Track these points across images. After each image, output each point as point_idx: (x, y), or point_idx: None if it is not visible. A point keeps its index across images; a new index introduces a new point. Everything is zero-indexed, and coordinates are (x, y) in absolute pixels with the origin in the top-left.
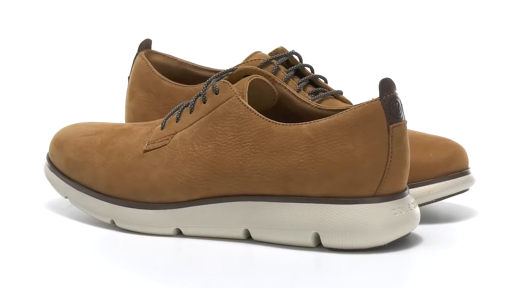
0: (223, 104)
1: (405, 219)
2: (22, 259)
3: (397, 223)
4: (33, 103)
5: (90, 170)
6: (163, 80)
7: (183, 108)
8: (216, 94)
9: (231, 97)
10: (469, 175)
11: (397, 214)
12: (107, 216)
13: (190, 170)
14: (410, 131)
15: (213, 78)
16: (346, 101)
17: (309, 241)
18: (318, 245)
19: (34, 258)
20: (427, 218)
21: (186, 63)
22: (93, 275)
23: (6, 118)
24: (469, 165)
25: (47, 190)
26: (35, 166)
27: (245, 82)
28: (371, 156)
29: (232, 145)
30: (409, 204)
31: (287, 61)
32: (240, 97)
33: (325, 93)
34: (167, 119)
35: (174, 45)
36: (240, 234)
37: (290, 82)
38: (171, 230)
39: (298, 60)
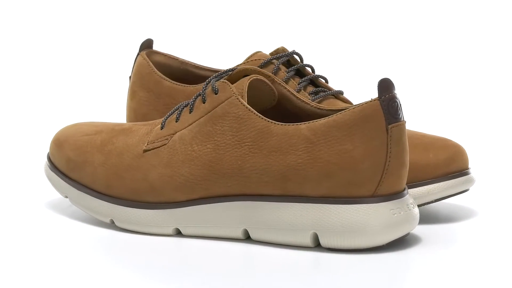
0: (222, 104)
1: (404, 219)
2: (22, 258)
3: (396, 223)
4: (35, 102)
5: (89, 170)
6: (164, 80)
7: (183, 108)
8: (216, 94)
9: (230, 97)
10: (469, 175)
11: (395, 214)
12: (107, 216)
13: (189, 170)
14: (410, 131)
15: (212, 78)
16: (346, 101)
17: (308, 241)
18: (317, 245)
19: (34, 257)
20: (427, 219)
21: (188, 63)
22: (92, 275)
23: (8, 118)
24: (469, 166)
25: (47, 190)
26: (36, 166)
27: (245, 82)
28: (369, 156)
29: (231, 145)
30: (408, 205)
31: (288, 61)
32: (239, 97)
33: (326, 93)
34: (166, 119)
35: (175, 45)
36: (239, 234)
37: (290, 82)
38: (170, 230)
39: (299, 60)
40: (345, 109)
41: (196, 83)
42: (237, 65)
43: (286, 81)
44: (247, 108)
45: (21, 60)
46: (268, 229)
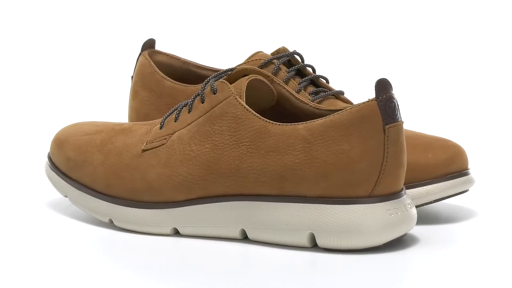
0: (221, 104)
1: (401, 219)
2: (22, 257)
3: (393, 223)
4: (37, 102)
5: (89, 169)
6: (165, 79)
7: (182, 108)
8: (214, 94)
9: (228, 97)
10: (469, 176)
11: (392, 215)
12: (106, 215)
13: (187, 169)
14: (409, 131)
15: (211, 78)
16: (347, 101)
17: (305, 241)
18: (314, 246)
19: (34, 256)
20: (427, 219)
21: (190, 63)
22: (90, 274)
23: (10, 118)
24: (469, 166)
25: (48, 189)
26: (37, 165)
27: (243, 82)
28: (366, 156)
29: (229, 145)
30: (405, 205)
31: (288, 61)
32: (237, 97)
33: (326, 93)
34: (166, 119)
35: (177, 45)
36: (236, 234)
37: (291, 82)
38: (168, 230)
39: (300, 60)
40: (343, 109)
41: (198, 83)
42: (238, 65)
43: (287, 81)
44: (245, 108)
45: (23, 60)
46: (265, 229)
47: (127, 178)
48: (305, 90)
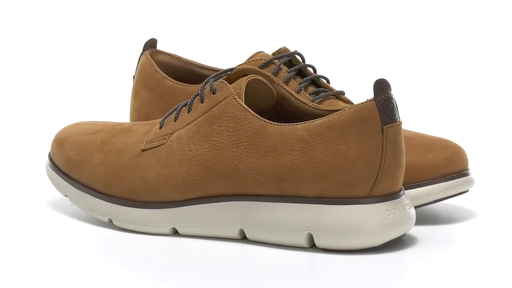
0: (220, 104)
1: (400, 220)
2: (22, 257)
3: (391, 224)
4: (39, 102)
5: (89, 169)
6: (166, 79)
7: (182, 108)
8: (213, 93)
9: (227, 97)
10: (469, 176)
11: (391, 215)
12: (105, 215)
13: (186, 169)
14: (409, 131)
15: (211, 77)
16: (347, 101)
17: (303, 241)
18: (312, 246)
19: (34, 255)
20: (426, 219)
21: (191, 63)
22: (90, 273)
23: (11, 117)
24: (469, 167)
25: (48, 189)
26: (38, 165)
27: (243, 82)
28: (364, 157)
29: (228, 145)
30: (403, 205)
31: (289, 61)
32: (236, 97)
33: (327, 93)
34: (165, 119)
35: (179, 45)
36: (235, 234)
37: (291, 82)
38: (167, 230)
39: (301, 60)
40: (341, 109)
41: (200, 83)
42: (238, 65)
43: (287, 81)
44: (244, 108)
45: (25, 60)
46: (264, 229)
47: (126, 178)
48: (305, 90)
